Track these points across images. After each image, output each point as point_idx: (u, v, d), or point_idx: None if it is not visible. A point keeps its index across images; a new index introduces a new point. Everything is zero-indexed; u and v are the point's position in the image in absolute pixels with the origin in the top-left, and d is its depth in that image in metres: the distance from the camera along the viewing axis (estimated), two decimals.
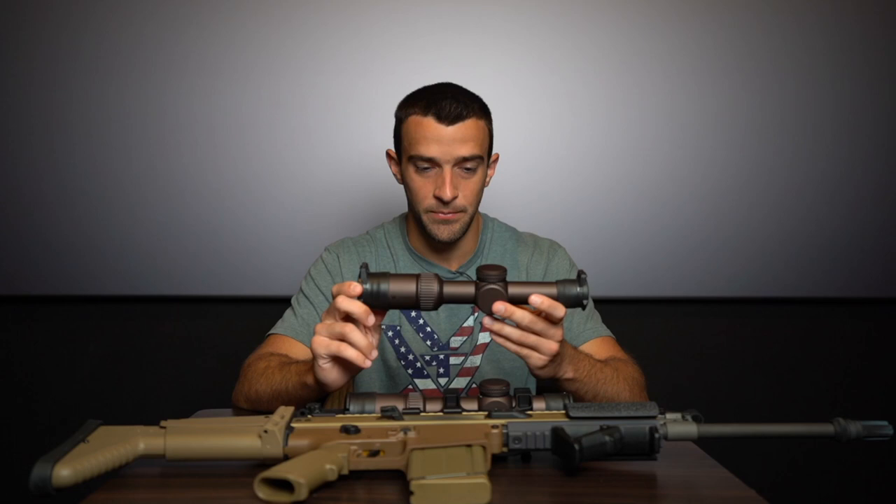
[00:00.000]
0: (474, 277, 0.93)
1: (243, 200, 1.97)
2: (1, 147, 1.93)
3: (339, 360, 0.94)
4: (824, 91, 1.98)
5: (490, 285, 0.89)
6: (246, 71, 1.94)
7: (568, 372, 1.03)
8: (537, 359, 0.95)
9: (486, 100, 1.28)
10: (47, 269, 1.95)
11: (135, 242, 1.96)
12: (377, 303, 0.89)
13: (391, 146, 1.33)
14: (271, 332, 1.29)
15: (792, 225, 2.01)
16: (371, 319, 0.90)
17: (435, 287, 0.89)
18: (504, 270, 0.90)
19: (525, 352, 0.94)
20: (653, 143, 1.99)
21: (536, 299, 0.89)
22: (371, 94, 1.94)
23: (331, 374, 0.95)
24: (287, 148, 1.96)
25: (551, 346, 0.93)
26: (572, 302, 0.91)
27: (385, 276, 0.89)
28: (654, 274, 2.02)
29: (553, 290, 0.90)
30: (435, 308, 0.91)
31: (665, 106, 1.98)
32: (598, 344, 1.28)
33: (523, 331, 0.93)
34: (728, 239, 2.02)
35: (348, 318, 0.91)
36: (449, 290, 0.91)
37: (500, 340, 0.93)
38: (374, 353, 0.91)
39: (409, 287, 0.89)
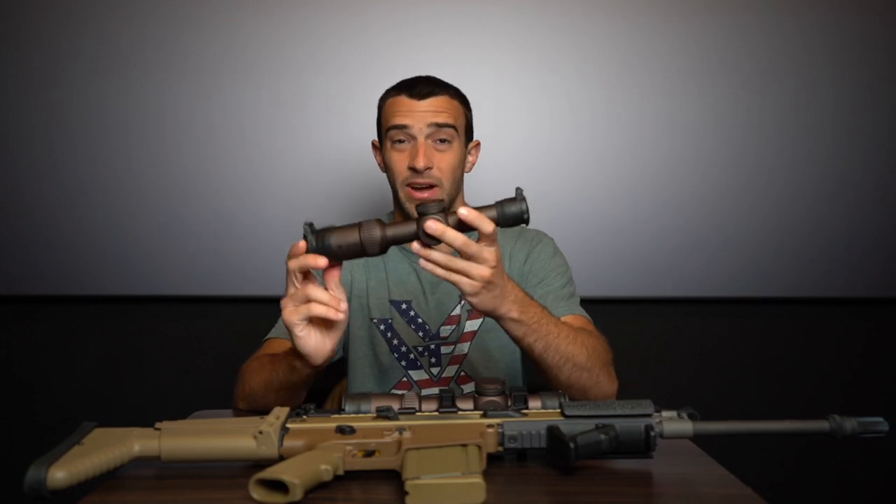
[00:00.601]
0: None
1: (243, 200, 1.97)
2: (1, 147, 1.93)
3: (314, 324, 0.95)
4: (824, 91, 1.98)
5: (430, 216, 0.89)
6: (246, 71, 1.94)
7: (512, 311, 0.98)
8: (468, 284, 0.92)
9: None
10: (47, 269, 1.95)
11: (135, 242, 1.96)
12: (326, 256, 0.91)
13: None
14: (267, 337, 1.30)
15: (792, 225, 2.01)
16: (322, 261, 0.89)
17: (377, 232, 0.90)
18: (443, 202, 0.91)
19: (455, 277, 0.92)
20: (653, 143, 1.98)
21: (463, 211, 0.89)
22: (371, 94, 1.92)
23: (310, 341, 0.95)
24: (287, 148, 1.96)
25: (482, 270, 0.91)
26: (513, 219, 0.91)
27: (328, 229, 0.91)
28: (654, 274, 2.01)
29: (493, 213, 0.91)
30: (381, 252, 0.91)
31: (665, 106, 1.98)
32: (569, 319, 1.24)
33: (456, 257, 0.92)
34: (728, 239, 2.01)
35: (306, 281, 0.93)
36: (392, 231, 0.91)
37: (429, 267, 0.91)
38: (344, 306, 0.92)
39: (352, 236, 0.90)
